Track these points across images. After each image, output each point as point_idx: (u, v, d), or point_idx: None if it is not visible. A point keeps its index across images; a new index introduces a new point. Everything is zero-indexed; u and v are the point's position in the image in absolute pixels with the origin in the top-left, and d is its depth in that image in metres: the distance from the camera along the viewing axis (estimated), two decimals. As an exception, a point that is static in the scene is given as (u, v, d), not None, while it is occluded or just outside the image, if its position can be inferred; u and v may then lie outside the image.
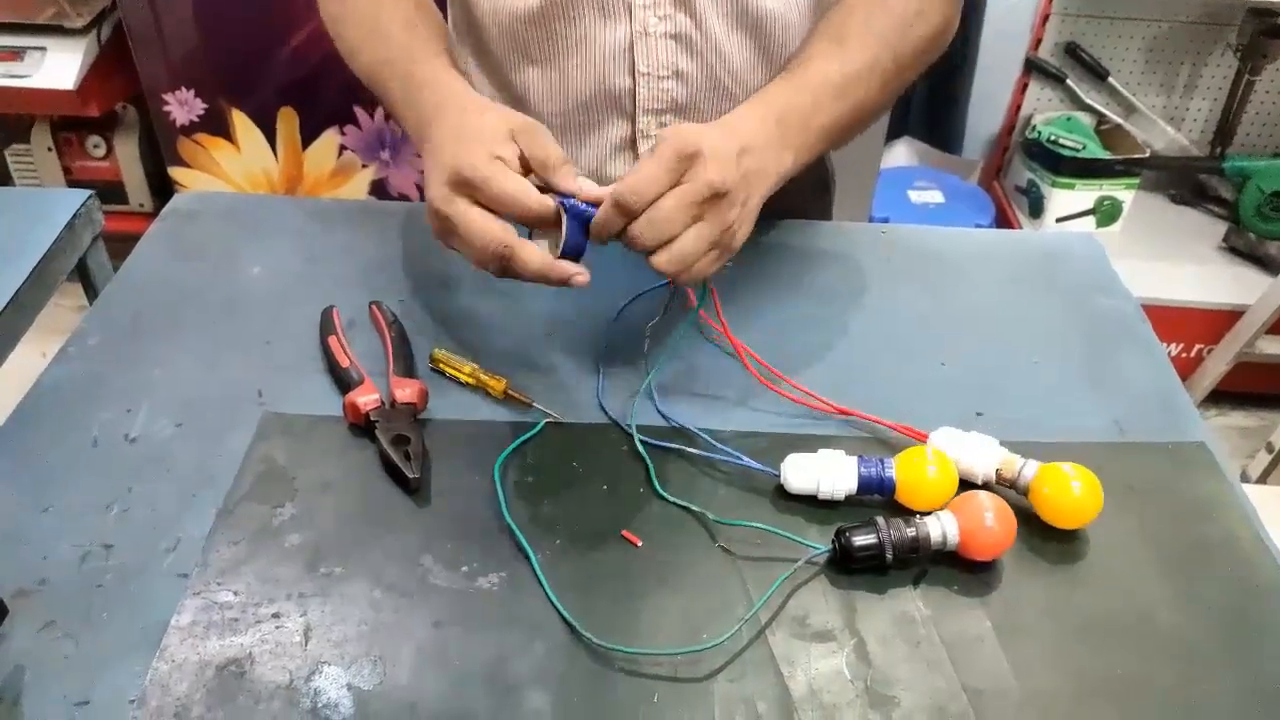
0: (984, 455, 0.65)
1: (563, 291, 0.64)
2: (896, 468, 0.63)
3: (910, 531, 0.59)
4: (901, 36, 0.73)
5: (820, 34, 0.74)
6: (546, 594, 0.58)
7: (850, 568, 0.60)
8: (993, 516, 0.60)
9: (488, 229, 0.60)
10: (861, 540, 0.59)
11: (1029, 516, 0.64)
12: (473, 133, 0.62)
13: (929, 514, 0.61)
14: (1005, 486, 0.65)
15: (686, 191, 0.60)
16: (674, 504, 0.63)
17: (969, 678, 0.55)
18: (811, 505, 0.64)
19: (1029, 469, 0.64)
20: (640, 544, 0.62)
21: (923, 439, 0.67)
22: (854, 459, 0.64)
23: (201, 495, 0.64)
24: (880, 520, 0.60)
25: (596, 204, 0.61)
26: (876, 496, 0.64)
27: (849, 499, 0.64)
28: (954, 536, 0.59)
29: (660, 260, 0.61)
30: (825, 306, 0.82)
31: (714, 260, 0.63)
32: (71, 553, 0.60)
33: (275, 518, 0.62)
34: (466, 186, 0.60)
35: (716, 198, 0.60)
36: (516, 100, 0.84)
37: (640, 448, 0.66)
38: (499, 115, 0.64)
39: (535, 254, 0.61)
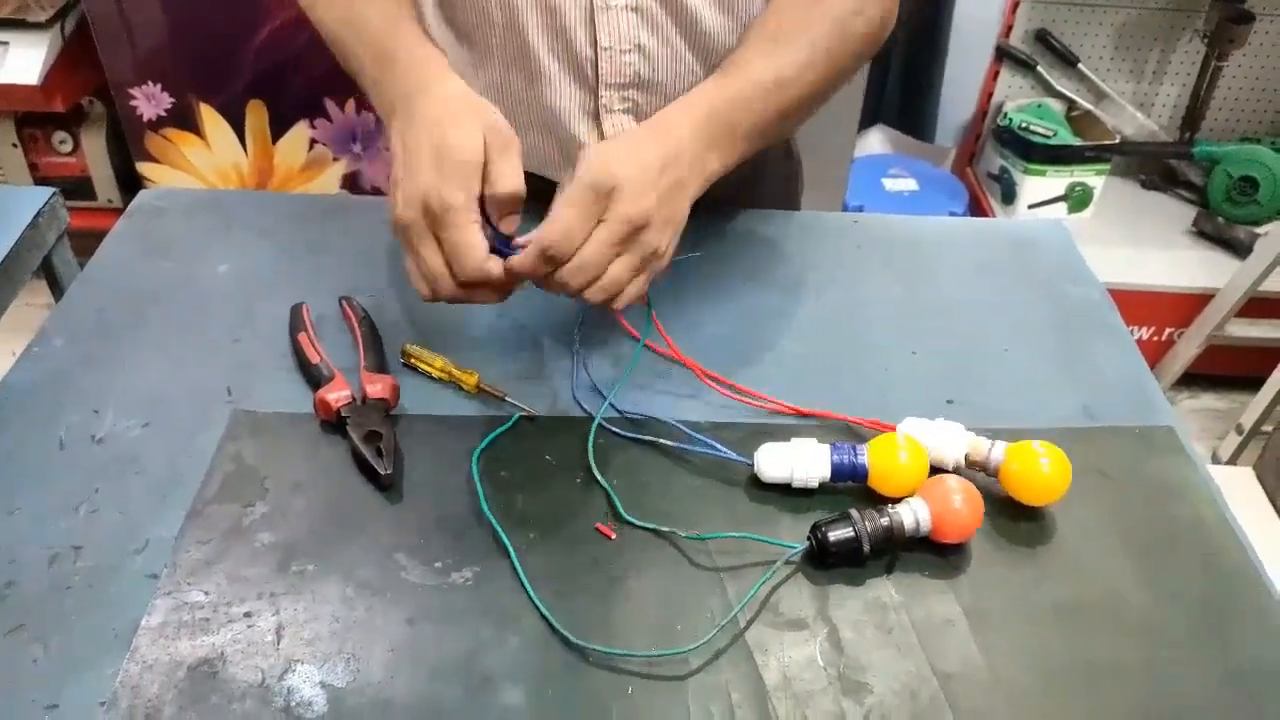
0: (952, 441, 0.65)
1: (532, 284, 0.64)
2: (869, 454, 0.64)
3: (884, 521, 0.60)
4: (840, 34, 0.73)
5: (756, 32, 0.74)
6: (525, 590, 0.58)
7: (828, 562, 0.60)
8: (961, 499, 0.60)
9: (444, 274, 0.62)
10: (838, 534, 0.60)
11: (999, 501, 0.64)
12: (452, 159, 0.61)
13: (900, 501, 0.61)
14: (975, 470, 0.66)
15: (606, 233, 0.61)
16: (642, 528, 0.62)
17: (940, 662, 0.56)
18: (784, 494, 0.65)
19: (997, 450, 0.65)
20: (614, 536, 0.62)
21: (891, 430, 0.67)
22: (826, 446, 0.64)
23: (171, 495, 0.63)
24: (854, 513, 0.60)
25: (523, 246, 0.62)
26: (849, 483, 0.64)
27: (822, 486, 0.64)
28: (926, 522, 0.60)
29: (591, 295, 0.62)
30: (795, 297, 0.83)
31: (643, 282, 0.65)
32: (40, 555, 0.59)
33: (246, 517, 0.62)
34: (431, 219, 0.61)
35: (636, 231, 0.62)
36: (478, 67, 0.83)
37: (599, 477, 0.65)
38: (477, 118, 0.64)
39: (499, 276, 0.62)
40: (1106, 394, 0.75)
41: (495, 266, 0.62)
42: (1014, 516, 0.64)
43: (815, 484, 0.64)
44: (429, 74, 0.69)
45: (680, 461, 0.67)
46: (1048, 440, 0.65)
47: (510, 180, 0.63)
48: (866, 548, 0.59)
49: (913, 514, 0.60)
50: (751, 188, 0.93)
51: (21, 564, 0.59)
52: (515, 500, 0.64)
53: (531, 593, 0.58)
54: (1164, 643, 0.58)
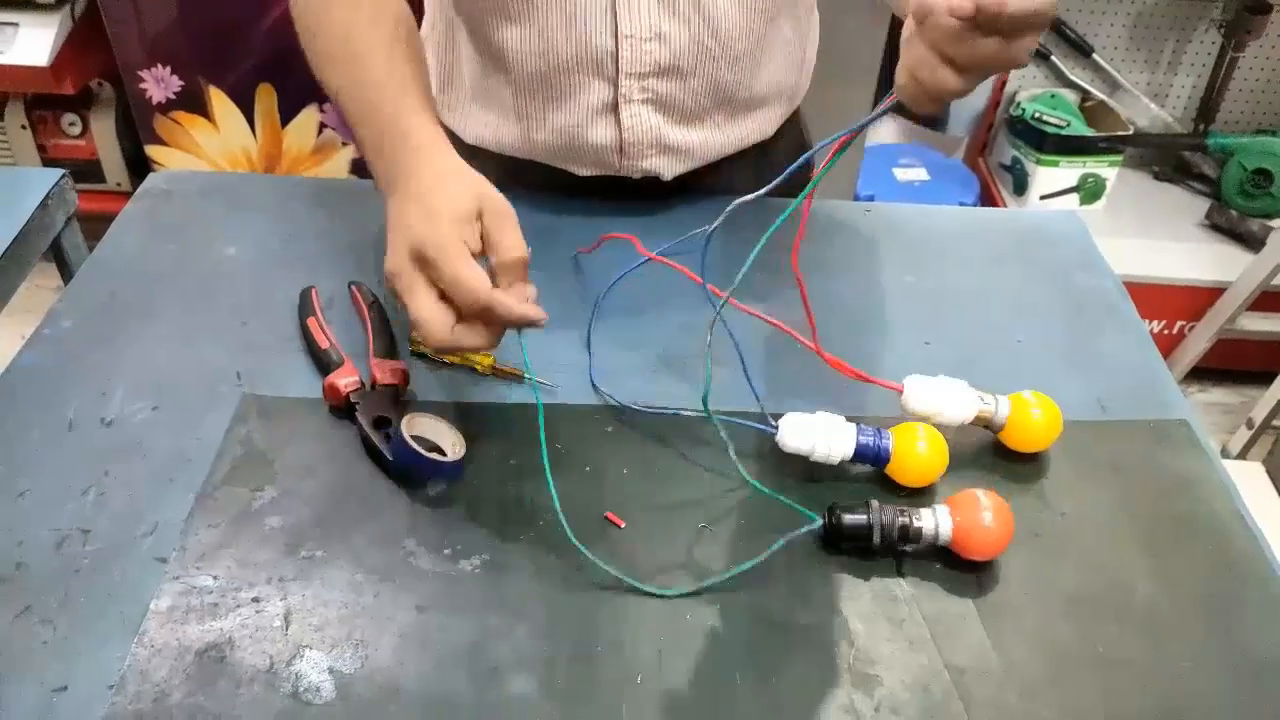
0: (960, 400, 0.65)
1: (546, 273, 0.63)
2: (894, 439, 0.63)
3: (903, 519, 0.59)
4: None
5: None
6: (576, 544, 0.58)
7: (840, 546, 0.60)
8: (991, 515, 0.59)
9: (433, 318, 0.58)
10: (852, 519, 0.59)
11: (1010, 492, 0.64)
12: (440, 207, 0.59)
13: (918, 493, 0.61)
14: (980, 427, 0.66)
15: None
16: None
17: (951, 656, 0.55)
18: (801, 479, 0.64)
19: (1003, 407, 0.65)
20: (624, 525, 0.62)
21: (898, 389, 0.66)
22: (853, 425, 0.64)
23: (179, 479, 0.63)
24: (875, 503, 0.60)
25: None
26: (869, 467, 0.64)
27: (841, 464, 0.64)
28: (947, 532, 0.59)
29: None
30: (808, 285, 0.82)
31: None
32: (48, 537, 0.59)
33: (255, 501, 0.62)
34: (424, 263, 0.58)
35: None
36: (495, 60, 0.82)
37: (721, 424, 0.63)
38: (469, 188, 0.61)
39: (508, 302, 0.59)
40: (1120, 386, 0.74)
41: (498, 293, 0.58)
42: (1026, 509, 0.64)
43: (836, 459, 0.63)
44: (437, 148, 0.65)
45: (699, 430, 0.66)
46: (1061, 434, 0.65)
47: (515, 249, 0.60)
48: (877, 539, 0.59)
49: (934, 521, 0.59)
50: (762, 175, 0.92)
51: (30, 546, 0.59)
52: (524, 488, 0.63)
53: (582, 549, 0.57)
54: (1175, 636, 0.57)
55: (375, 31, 0.70)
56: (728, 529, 0.62)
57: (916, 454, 0.63)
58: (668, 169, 0.85)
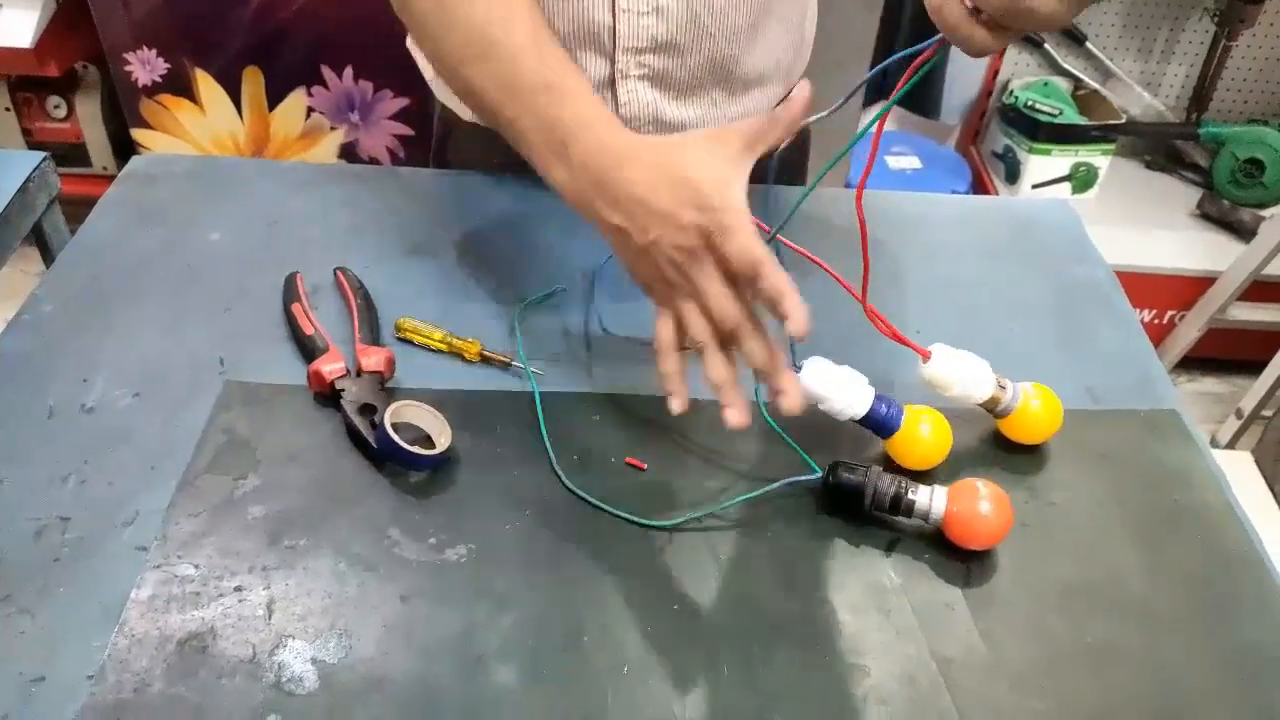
0: (980, 377, 0.65)
1: (537, 259, 0.62)
2: (905, 416, 0.63)
3: (896, 489, 0.59)
4: None
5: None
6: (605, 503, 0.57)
7: (834, 506, 0.61)
8: (989, 505, 0.59)
9: (727, 298, 0.56)
10: (849, 477, 0.60)
11: (1000, 475, 0.63)
12: (702, 186, 0.55)
13: (925, 485, 0.60)
14: (986, 410, 0.66)
15: None
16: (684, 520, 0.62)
17: (939, 646, 0.55)
18: (810, 444, 0.64)
19: (1015, 395, 0.65)
20: (646, 468, 0.63)
21: (925, 355, 0.66)
22: (872, 389, 0.63)
23: (161, 467, 0.62)
24: (877, 469, 0.60)
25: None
26: (878, 442, 0.64)
27: (849, 427, 0.63)
28: (939, 512, 0.59)
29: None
30: (797, 273, 0.81)
31: None
32: (27, 526, 0.58)
33: (237, 489, 0.61)
34: (712, 248, 0.56)
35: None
36: None
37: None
38: (708, 154, 0.58)
39: (763, 342, 0.57)
40: (1110, 375, 0.74)
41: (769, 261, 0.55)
42: (1016, 499, 0.63)
43: (847, 416, 0.63)
44: (615, 135, 0.60)
45: (687, 429, 0.66)
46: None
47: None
48: (868, 501, 0.59)
49: (929, 498, 0.59)
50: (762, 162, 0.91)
51: (8, 535, 0.58)
52: (510, 476, 0.63)
53: (569, 485, 0.57)
54: (1165, 626, 0.57)
55: (519, 16, 0.64)
56: (725, 523, 0.61)
57: (920, 435, 0.63)
58: None
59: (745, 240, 0.55)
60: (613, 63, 0.79)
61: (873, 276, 0.82)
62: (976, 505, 0.58)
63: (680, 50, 0.79)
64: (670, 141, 0.60)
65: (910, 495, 0.59)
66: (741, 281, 0.57)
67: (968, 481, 0.60)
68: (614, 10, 0.76)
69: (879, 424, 0.63)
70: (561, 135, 0.60)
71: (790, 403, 0.57)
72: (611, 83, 0.80)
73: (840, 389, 0.62)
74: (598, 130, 0.60)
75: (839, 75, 0.79)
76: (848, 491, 0.60)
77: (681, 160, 0.57)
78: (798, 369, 0.63)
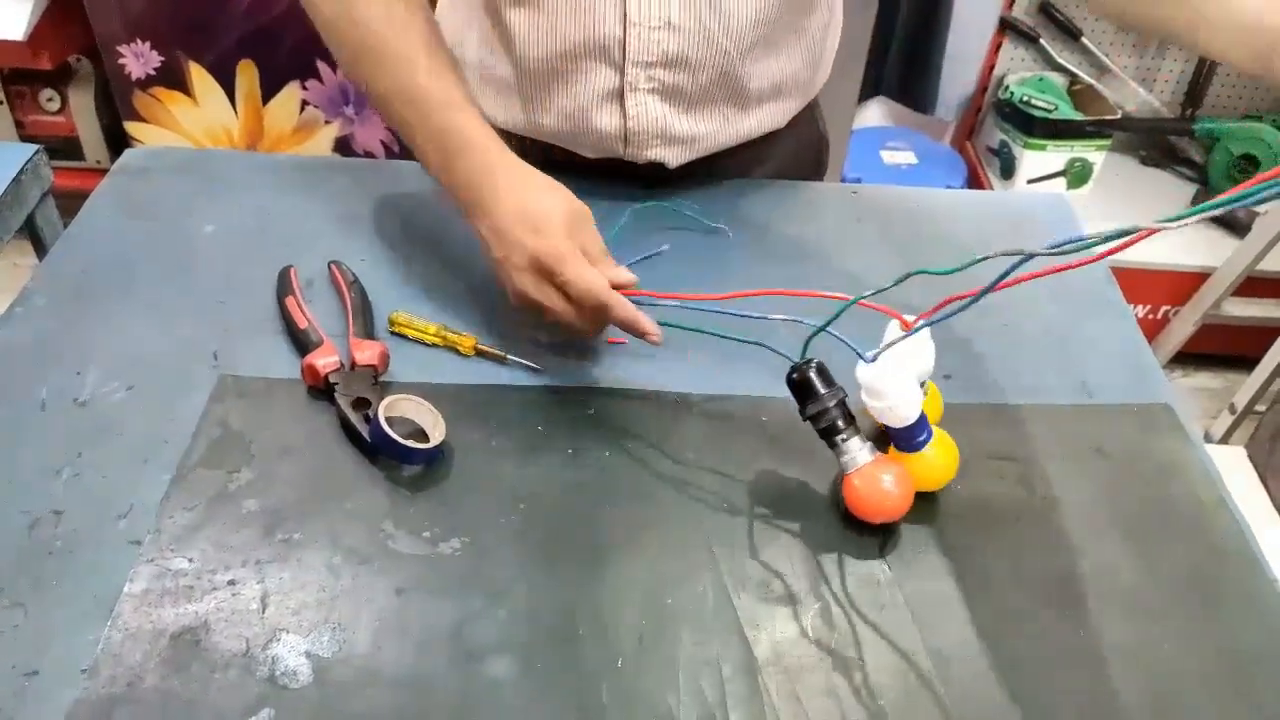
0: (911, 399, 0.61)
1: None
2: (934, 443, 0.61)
3: (834, 420, 0.59)
4: None
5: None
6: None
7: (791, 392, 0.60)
8: (891, 480, 0.59)
9: (591, 286, 0.64)
10: (805, 381, 0.59)
11: (992, 479, 0.64)
12: (544, 220, 0.65)
13: (861, 440, 0.59)
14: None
15: None
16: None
17: (933, 640, 0.55)
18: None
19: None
20: (626, 342, 0.69)
21: (906, 324, 0.63)
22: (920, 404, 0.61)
23: (154, 460, 0.62)
24: (840, 393, 0.59)
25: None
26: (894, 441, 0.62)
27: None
28: (860, 460, 0.59)
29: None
30: (793, 267, 0.81)
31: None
32: (20, 520, 0.58)
33: (231, 483, 0.61)
34: (548, 273, 0.65)
35: None
36: (502, 42, 0.81)
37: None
38: (559, 199, 0.67)
39: (625, 302, 0.65)
40: (1105, 370, 0.74)
41: (615, 294, 0.64)
42: (1009, 495, 0.63)
43: (885, 420, 0.61)
44: (504, 157, 0.69)
45: (680, 424, 0.66)
46: (1045, 418, 0.64)
47: (593, 234, 0.67)
48: (803, 412, 0.59)
49: (856, 448, 0.59)
50: (783, 164, 0.91)
51: (1, 528, 0.58)
52: (504, 470, 0.63)
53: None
54: (1157, 620, 0.57)
55: (406, 34, 0.71)
56: (713, 500, 0.61)
57: (938, 461, 0.62)
58: (673, 158, 0.84)
59: (575, 272, 0.63)
60: (622, 75, 0.78)
61: (868, 272, 0.82)
62: (880, 482, 0.59)
63: (691, 65, 0.78)
64: (535, 179, 0.68)
65: (843, 438, 0.59)
66: (587, 309, 0.65)
67: (888, 458, 0.60)
68: (625, 23, 0.75)
69: (907, 439, 0.61)
70: (450, 148, 0.69)
71: (656, 338, 0.65)
72: (620, 95, 0.79)
73: (900, 396, 0.60)
74: (481, 154, 0.68)
75: (834, 71, 0.78)
76: (802, 390, 0.59)
77: (537, 196, 0.67)
78: (870, 360, 0.60)
